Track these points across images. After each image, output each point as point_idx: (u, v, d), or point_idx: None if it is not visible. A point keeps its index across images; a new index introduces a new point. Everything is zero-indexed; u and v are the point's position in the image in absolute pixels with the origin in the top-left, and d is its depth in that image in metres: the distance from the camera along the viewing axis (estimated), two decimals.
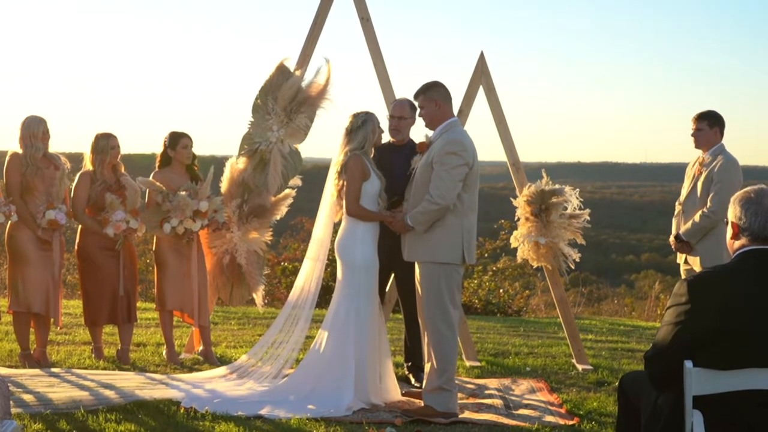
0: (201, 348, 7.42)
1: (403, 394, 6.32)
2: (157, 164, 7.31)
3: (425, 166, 5.81)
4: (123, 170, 7.28)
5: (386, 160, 6.41)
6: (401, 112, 6.64)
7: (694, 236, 6.69)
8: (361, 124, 6.08)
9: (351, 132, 6.08)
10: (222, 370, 6.75)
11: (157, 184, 7.11)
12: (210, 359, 7.27)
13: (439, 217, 5.74)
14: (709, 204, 6.60)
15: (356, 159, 6.00)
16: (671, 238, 6.96)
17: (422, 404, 5.94)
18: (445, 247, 5.79)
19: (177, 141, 7.24)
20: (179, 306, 7.28)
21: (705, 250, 6.64)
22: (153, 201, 7.15)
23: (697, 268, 6.57)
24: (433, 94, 5.91)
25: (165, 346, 7.42)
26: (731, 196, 3.78)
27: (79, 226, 7.24)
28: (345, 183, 6.04)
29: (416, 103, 6.05)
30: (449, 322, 5.81)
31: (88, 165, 7.17)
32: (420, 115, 6.04)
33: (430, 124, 5.96)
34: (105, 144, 7.14)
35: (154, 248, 7.38)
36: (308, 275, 6.46)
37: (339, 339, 6.04)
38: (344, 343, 6.01)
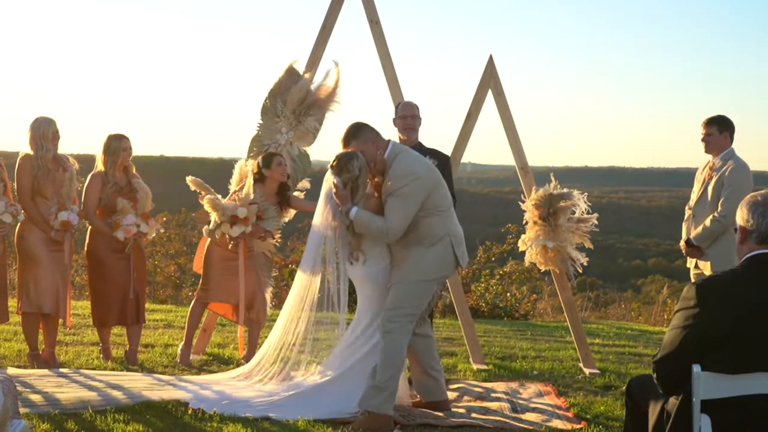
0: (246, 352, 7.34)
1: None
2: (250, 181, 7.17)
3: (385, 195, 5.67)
4: (135, 172, 7.30)
5: None
6: (413, 111, 6.84)
7: (704, 241, 6.69)
8: (358, 171, 5.69)
9: (352, 181, 5.70)
10: (233, 373, 6.67)
11: (207, 185, 7.09)
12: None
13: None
14: (719, 208, 6.60)
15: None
16: (681, 243, 6.96)
17: (423, 411, 5.98)
18: (438, 264, 5.71)
19: (271, 160, 7.13)
20: (222, 298, 7.25)
21: (716, 255, 6.64)
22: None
23: (708, 273, 6.56)
24: (363, 135, 5.71)
25: (183, 342, 7.42)
26: (742, 200, 3.78)
27: (89, 228, 7.26)
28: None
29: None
30: (409, 331, 5.71)
31: (99, 166, 7.17)
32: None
33: (376, 166, 5.71)
34: (117, 145, 7.15)
35: (207, 244, 7.32)
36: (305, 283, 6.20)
37: (363, 351, 5.94)
38: (369, 356, 5.90)
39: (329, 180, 5.82)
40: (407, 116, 6.84)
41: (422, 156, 5.94)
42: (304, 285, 6.16)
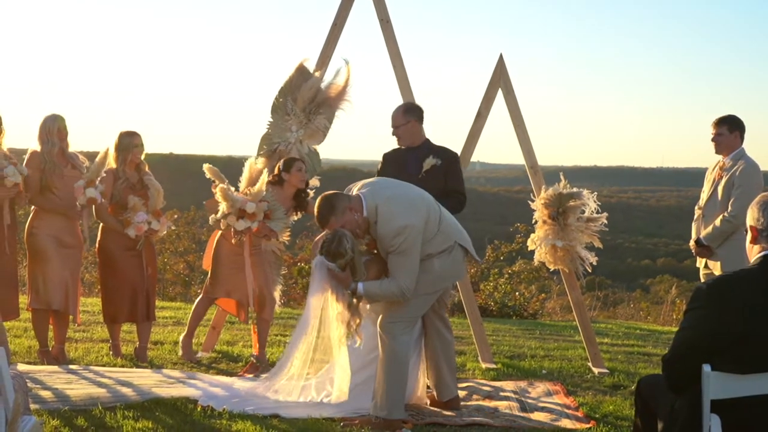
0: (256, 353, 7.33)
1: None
2: (266, 181, 7.12)
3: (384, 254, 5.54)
4: (147, 169, 7.31)
5: (401, 160, 6.51)
6: (393, 122, 6.62)
7: (714, 240, 6.68)
8: (351, 251, 5.40)
9: (349, 262, 5.43)
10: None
11: (222, 175, 7.10)
12: (264, 362, 7.13)
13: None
14: (730, 208, 6.59)
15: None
16: (691, 243, 6.95)
17: (432, 409, 5.98)
18: (445, 273, 5.69)
19: (291, 164, 7.14)
20: (228, 293, 7.26)
21: (726, 255, 6.62)
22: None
23: (718, 273, 6.55)
24: (339, 207, 5.39)
25: (185, 333, 7.45)
26: (752, 200, 3.77)
27: (101, 224, 7.28)
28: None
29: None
30: (410, 333, 5.69)
31: (111, 163, 7.18)
32: (348, 230, 5.43)
33: (361, 230, 5.46)
34: (128, 142, 7.17)
35: (216, 239, 7.33)
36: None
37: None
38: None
39: (321, 260, 5.48)
40: (392, 127, 6.65)
41: (395, 185, 5.68)
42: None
